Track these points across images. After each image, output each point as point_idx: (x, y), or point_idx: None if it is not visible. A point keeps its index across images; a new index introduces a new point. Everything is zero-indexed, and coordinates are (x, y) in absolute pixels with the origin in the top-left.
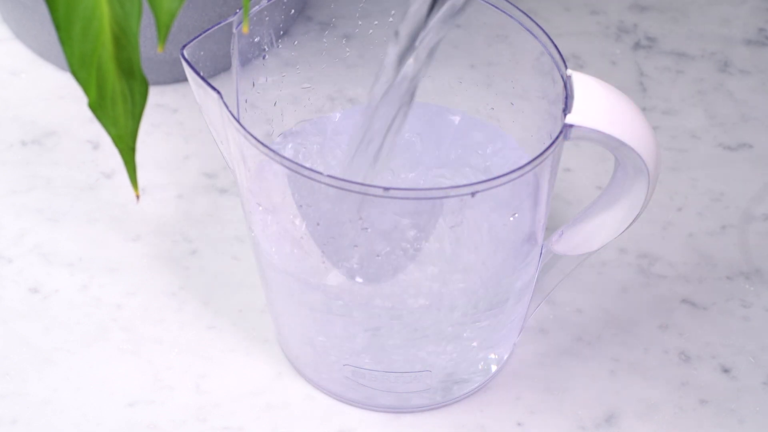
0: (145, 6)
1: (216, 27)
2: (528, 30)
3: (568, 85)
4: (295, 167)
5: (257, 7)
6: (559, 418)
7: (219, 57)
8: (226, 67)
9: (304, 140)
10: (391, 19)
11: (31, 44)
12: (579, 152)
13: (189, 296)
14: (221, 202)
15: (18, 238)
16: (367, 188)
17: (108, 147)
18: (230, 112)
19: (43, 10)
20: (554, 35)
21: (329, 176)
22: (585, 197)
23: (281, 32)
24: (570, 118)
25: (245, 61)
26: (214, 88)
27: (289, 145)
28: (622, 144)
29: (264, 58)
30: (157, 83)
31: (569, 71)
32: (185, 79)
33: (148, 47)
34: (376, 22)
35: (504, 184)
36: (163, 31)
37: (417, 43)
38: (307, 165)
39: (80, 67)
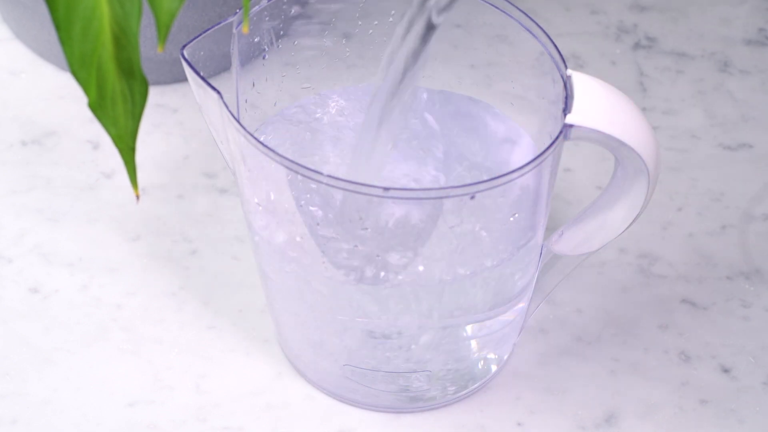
0: (145, 6)
1: (216, 27)
2: (528, 30)
3: (568, 85)
4: (295, 167)
5: (257, 7)
6: (559, 418)
7: (219, 57)
8: (226, 67)
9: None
10: (390, 19)
11: (31, 44)
12: (579, 152)
13: (189, 296)
14: (221, 202)
15: (18, 238)
16: (366, 188)
17: (108, 147)
18: (230, 112)
19: (43, 10)
20: (554, 35)
21: (329, 176)
22: (585, 197)
23: (281, 32)
24: (570, 118)
25: (245, 61)
26: (214, 88)
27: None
28: (622, 144)
29: (264, 58)
30: (157, 83)
31: (569, 71)
32: (185, 79)
33: (148, 47)
34: (376, 22)
35: (504, 184)
36: (163, 31)
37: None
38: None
39: (80, 67)
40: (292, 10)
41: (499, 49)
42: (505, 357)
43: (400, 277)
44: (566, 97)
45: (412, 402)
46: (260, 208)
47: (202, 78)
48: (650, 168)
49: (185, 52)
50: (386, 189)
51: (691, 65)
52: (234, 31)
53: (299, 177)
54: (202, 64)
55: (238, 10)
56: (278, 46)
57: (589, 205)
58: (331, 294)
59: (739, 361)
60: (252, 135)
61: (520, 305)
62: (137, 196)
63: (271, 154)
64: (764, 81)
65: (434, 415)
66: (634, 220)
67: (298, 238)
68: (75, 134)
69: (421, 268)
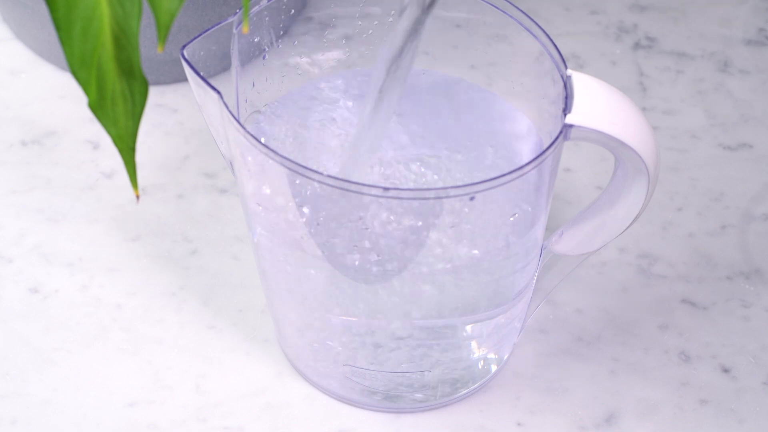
0: (145, 6)
1: (216, 27)
2: (528, 30)
3: (568, 85)
4: (295, 167)
5: (257, 7)
6: (559, 418)
7: (219, 57)
8: (226, 67)
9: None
10: (390, 19)
11: (31, 44)
12: (579, 152)
13: (189, 296)
14: (221, 202)
15: (18, 238)
16: (366, 188)
17: (108, 147)
18: (230, 112)
19: (43, 10)
20: (554, 35)
21: (329, 176)
22: (585, 197)
23: (281, 32)
24: (570, 118)
25: (245, 61)
26: (214, 88)
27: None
28: (622, 144)
29: (264, 58)
30: (157, 83)
31: (569, 71)
32: (185, 79)
33: (148, 47)
34: (376, 22)
35: (504, 184)
36: (163, 31)
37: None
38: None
39: (80, 67)
40: (292, 10)
41: (499, 49)
42: (505, 357)
43: (399, 278)
44: (566, 97)
45: (412, 402)
46: (260, 208)
47: (202, 78)
48: (650, 168)
49: (185, 52)
50: (386, 189)
51: (691, 65)
52: (234, 31)
53: (299, 177)
54: (202, 64)
55: (238, 10)
56: (278, 46)
57: (589, 205)
58: (331, 294)
59: (739, 361)
60: (252, 135)
61: (520, 305)
62: (137, 196)
63: (271, 154)
64: (764, 81)
65: (434, 415)
66: (634, 220)
67: (298, 238)
68: (75, 134)
69: (421, 268)
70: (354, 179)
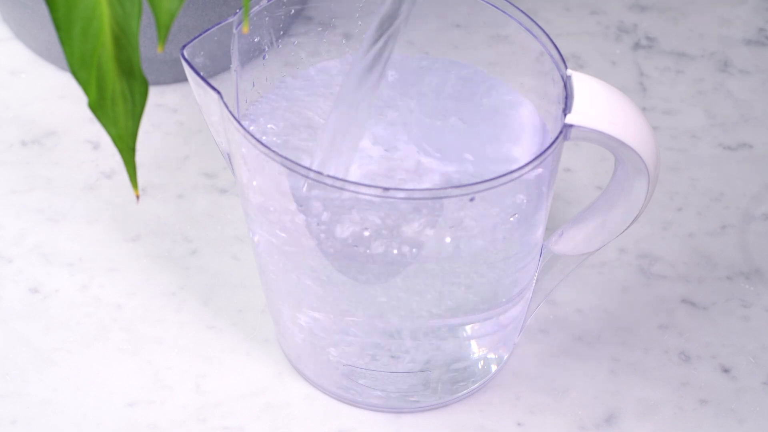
0: (145, 6)
1: (216, 27)
2: (528, 30)
3: (568, 85)
4: (294, 167)
5: (257, 7)
6: (559, 418)
7: (219, 57)
8: (226, 67)
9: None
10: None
11: (31, 44)
12: (579, 152)
13: (189, 296)
14: (221, 202)
15: (18, 238)
16: (366, 188)
17: (108, 147)
18: (230, 112)
19: (43, 10)
20: (554, 35)
21: (329, 176)
22: (585, 197)
23: (281, 32)
24: (570, 118)
25: (245, 61)
26: (214, 88)
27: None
28: (622, 144)
29: (264, 58)
30: (157, 83)
31: (569, 71)
32: (185, 79)
33: (148, 47)
34: None
35: (504, 184)
36: (163, 31)
37: None
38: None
39: (80, 67)
40: (292, 10)
41: (499, 49)
42: (505, 357)
43: (399, 278)
44: (566, 97)
45: (412, 402)
46: (260, 207)
47: (202, 78)
48: (650, 168)
49: (185, 52)
50: (386, 189)
51: (691, 65)
52: (234, 31)
53: (299, 176)
54: (202, 64)
55: (238, 10)
56: (278, 46)
57: (589, 205)
58: (331, 294)
59: (739, 361)
60: (252, 135)
61: (520, 305)
62: (137, 196)
63: (271, 153)
64: (764, 81)
65: (434, 415)
66: (634, 220)
67: (298, 238)
68: (75, 134)
69: (421, 268)
70: (335, 168)
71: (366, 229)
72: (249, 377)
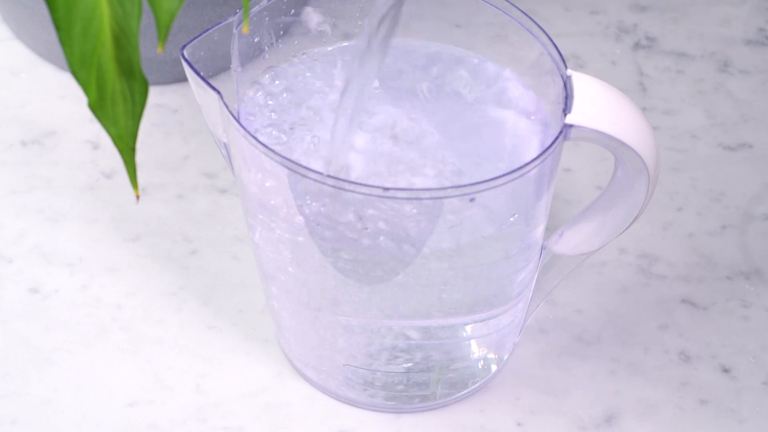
0: (145, 6)
1: (216, 27)
2: (528, 30)
3: (568, 85)
4: (294, 167)
5: (257, 7)
6: (559, 418)
7: (219, 57)
8: (226, 67)
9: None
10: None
11: (31, 44)
12: (579, 152)
13: (189, 296)
14: (221, 202)
15: (18, 238)
16: (366, 188)
17: (108, 147)
18: (230, 112)
19: (43, 10)
20: (554, 35)
21: (329, 176)
22: (585, 197)
23: (281, 32)
24: (570, 118)
25: (245, 61)
26: (214, 88)
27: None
28: (622, 144)
29: (264, 58)
30: (157, 83)
31: (569, 71)
32: (185, 79)
33: (148, 47)
34: None
35: (504, 184)
36: (163, 31)
37: None
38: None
39: (80, 67)
40: (292, 10)
41: (499, 49)
42: (505, 357)
43: (399, 277)
44: (566, 97)
45: (412, 402)
46: (260, 207)
47: (202, 78)
48: (650, 168)
49: (185, 52)
50: (386, 189)
51: (691, 65)
52: (234, 31)
53: (299, 176)
54: (202, 64)
55: (238, 10)
56: (278, 46)
57: (589, 205)
58: (331, 294)
59: (739, 361)
60: (252, 135)
61: (520, 305)
62: (137, 196)
63: (270, 154)
64: (764, 81)
65: (434, 415)
66: (634, 220)
67: (298, 238)
68: (75, 134)
69: (421, 268)
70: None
71: (365, 228)
72: (249, 377)
